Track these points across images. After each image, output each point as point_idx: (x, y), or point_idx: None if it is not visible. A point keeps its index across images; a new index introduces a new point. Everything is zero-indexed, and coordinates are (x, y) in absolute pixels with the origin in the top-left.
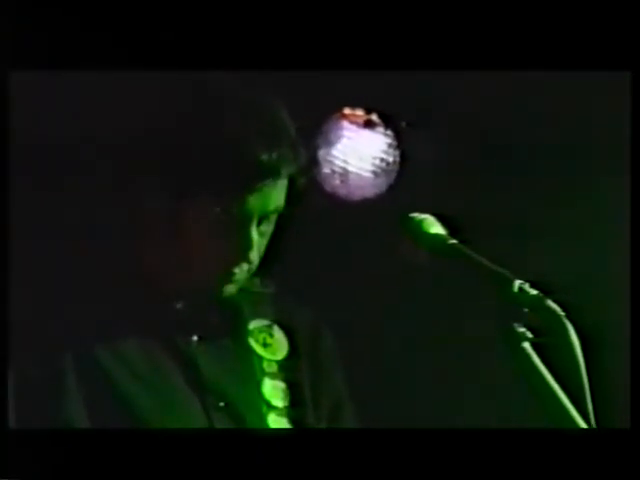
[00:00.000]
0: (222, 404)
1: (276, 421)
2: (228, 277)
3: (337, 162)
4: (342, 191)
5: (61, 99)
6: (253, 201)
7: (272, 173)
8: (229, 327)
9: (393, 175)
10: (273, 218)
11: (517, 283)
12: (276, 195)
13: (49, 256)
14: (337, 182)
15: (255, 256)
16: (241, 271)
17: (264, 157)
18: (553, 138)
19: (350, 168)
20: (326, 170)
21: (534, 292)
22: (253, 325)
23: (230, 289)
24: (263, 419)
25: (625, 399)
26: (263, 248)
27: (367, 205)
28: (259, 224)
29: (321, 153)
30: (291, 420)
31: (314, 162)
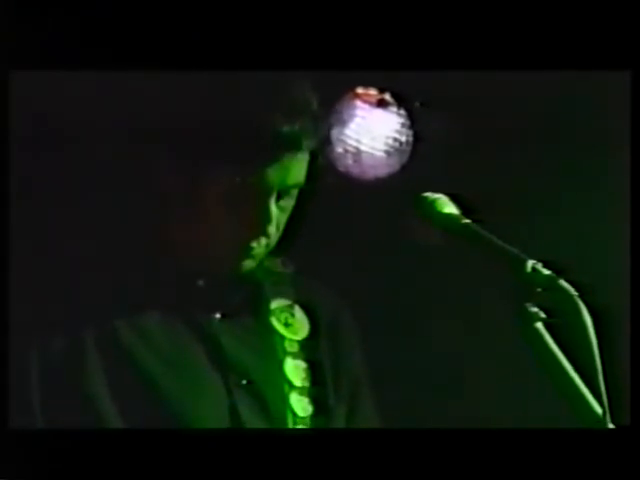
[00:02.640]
0: (244, 382)
1: (297, 400)
2: (247, 252)
3: (350, 141)
4: (355, 170)
5: (61, 99)
6: (273, 174)
7: (293, 145)
8: (251, 307)
9: (406, 155)
10: (293, 193)
11: (530, 263)
12: (296, 169)
13: (65, 237)
14: (350, 162)
15: (273, 231)
16: (259, 246)
17: (285, 129)
18: (555, 137)
19: (363, 147)
20: (339, 149)
21: (547, 272)
22: (275, 305)
23: (248, 264)
24: (285, 398)
25: (625, 397)
26: (282, 224)
27: (380, 185)
28: (279, 199)
29: (334, 132)
30: (312, 399)
31: (327, 141)
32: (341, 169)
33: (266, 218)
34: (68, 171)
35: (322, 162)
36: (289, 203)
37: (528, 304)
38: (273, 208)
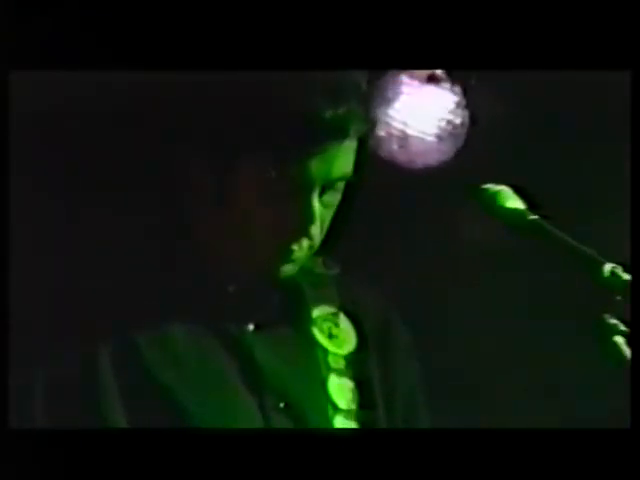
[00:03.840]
0: (282, 405)
1: (344, 424)
2: (286, 255)
3: (395, 124)
4: (401, 158)
5: (61, 99)
6: (315, 166)
7: (338, 132)
8: (289, 315)
9: (461, 139)
10: (339, 187)
11: (608, 267)
12: (342, 159)
13: (82, 239)
14: (395, 147)
15: (317, 231)
16: (301, 248)
17: (328, 113)
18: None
19: (410, 131)
20: (382, 133)
21: (627, 277)
22: (317, 313)
23: (289, 269)
24: (329, 422)
25: (625, 399)
26: (327, 222)
27: (431, 174)
28: (322, 193)
29: (377, 113)
30: (361, 423)
31: (372, 124)
32: (385, 156)
33: (309, 217)
34: (69, 171)
35: (372, 149)
36: (335, 198)
37: (606, 315)
38: (316, 205)
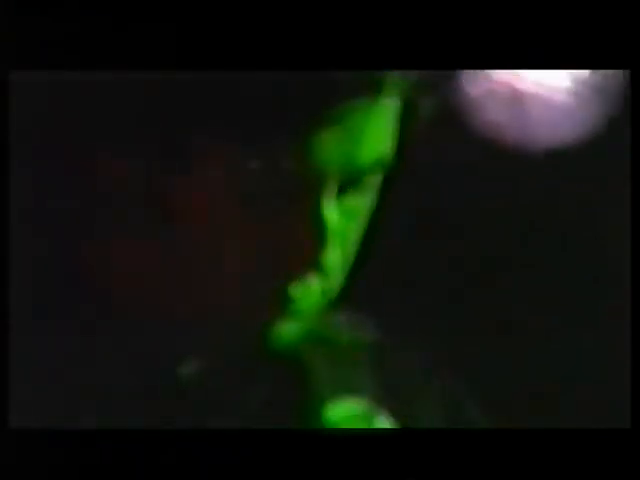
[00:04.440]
0: None
1: None
2: (281, 308)
3: (497, 76)
4: (509, 132)
5: (61, 99)
6: (328, 148)
7: (365, 90)
8: (288, 416)
9: (612, 101)
10: (371, 184)
11: None
12: (375, 135)
13: (49, 257)
14: (498, 117)
15: (335, 260)
16: (308, 292)
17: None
18: None
19: (524, 86)
20: (474, 92)
21: None
22: (339, 412)
23: (286, 334)
24: None
25: (625, 399)
26: (352, 244)
27: (559, 160)
28: (342, 194)
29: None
30: None
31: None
32: (481, 131)
33: (319, 235)
34: (69, 173)
35: (428, 116)
36: (364, 203)
37: None
38: (332, 215)
